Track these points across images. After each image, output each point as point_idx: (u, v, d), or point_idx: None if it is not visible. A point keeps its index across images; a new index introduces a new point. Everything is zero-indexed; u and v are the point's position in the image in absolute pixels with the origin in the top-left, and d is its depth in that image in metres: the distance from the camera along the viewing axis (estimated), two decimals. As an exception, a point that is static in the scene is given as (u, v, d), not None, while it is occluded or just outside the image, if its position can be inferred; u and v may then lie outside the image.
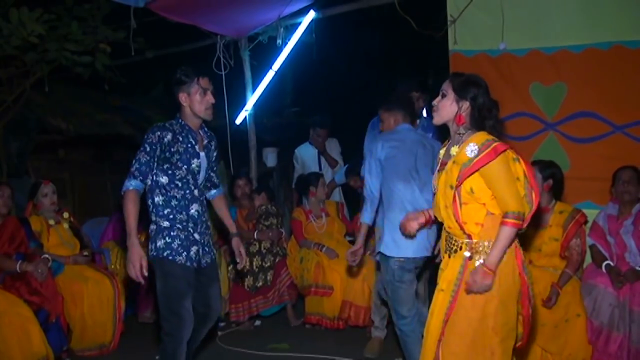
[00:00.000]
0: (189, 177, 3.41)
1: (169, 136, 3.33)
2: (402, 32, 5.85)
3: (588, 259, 4.27)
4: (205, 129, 3.61)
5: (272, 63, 6.07)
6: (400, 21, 5.10)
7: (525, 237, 4.22)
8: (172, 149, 3.33)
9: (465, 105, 2.81)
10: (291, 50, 5.94)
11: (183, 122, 3.43)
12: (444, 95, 2.88)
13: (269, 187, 6.67)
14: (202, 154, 3.48)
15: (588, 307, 3.87)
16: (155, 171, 3.34)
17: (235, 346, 4.97)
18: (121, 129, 7.49)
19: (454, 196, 2.77)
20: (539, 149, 4.79)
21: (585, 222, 4.20)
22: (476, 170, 2.70)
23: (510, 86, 4.88)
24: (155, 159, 3.31)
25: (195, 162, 3.42)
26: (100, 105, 7.81)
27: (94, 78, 6.34)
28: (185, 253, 3.39)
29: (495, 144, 2.69)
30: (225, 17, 5.43)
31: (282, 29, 5.82)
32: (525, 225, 2.71)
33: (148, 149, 3.29)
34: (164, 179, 3.35)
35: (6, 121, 6.24)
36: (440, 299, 2.84)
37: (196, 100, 3.37)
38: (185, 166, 3.37)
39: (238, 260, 3.69)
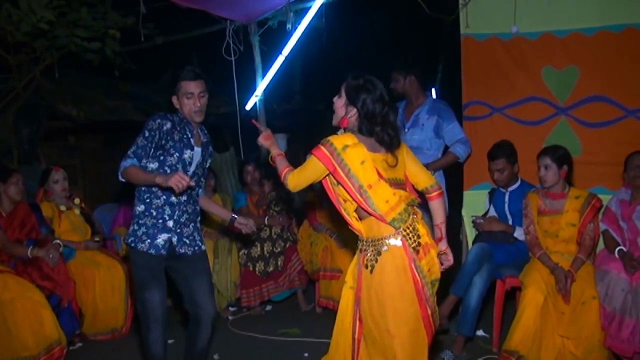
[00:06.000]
0: (179, 165, 3.40)
1: (168, 125, 3.36)
2: (413, 16, 5.80)
3: (601, 244, 4.24)
4: (205, 131, 3.64)
5: (282, 48, 6.04)
6: (410, 5, 5.05)
7: (541, 223, 4.22)
8: (168, 137, 3.36)
9: (353, 111, 2.82)
10: (301, 35, 5.89)
11: (182, 116, 3.47)
12: (339, 96, 2.89)
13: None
14: (197, 148, 3.49)
15: (601, 293, 3.83)
16: (148, 158, 3.34)
17: (246, 331, 5.00)
18: (131, 115, 7.50)
19: (335, 195, 2.88)
20: (550, 134, 4.76)
21: (601, 207, 4.16)
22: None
23: (522, 70, 4.84)
24: (153, 145, 3.33)
25: (188, 153, 3.42)
26: (110, 92, 7.81)
27: (104, 64, 6.34)
28: (149, 240, 3.37)
29: (319, 144, 2.78)
30: (235, 2, 5.39)
31: (291, 14, 5.75)
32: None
33: (147, 134, 3.31)
34: (153, 165, 3.34)
35: (16, 108, 6.26)
36: (351, 296, 2.91)
37: (183, 104, 3.41)
38: (177, 154, 3.38)
39: (246, 231, 3.66)
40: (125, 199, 6.10)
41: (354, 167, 2.69)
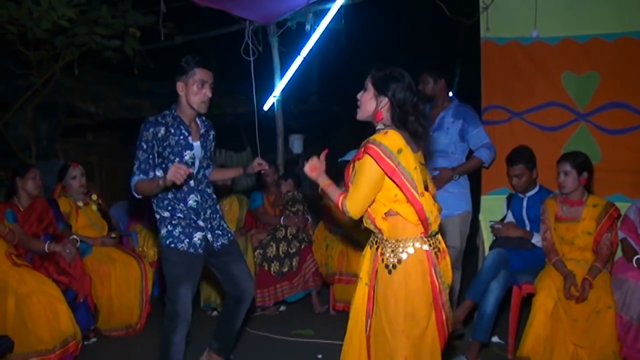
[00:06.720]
0: None
1: (162, 130, 3.30)
2: (432, 19, 5.79)
3: (619, 252, 4.20)
4: (203, 118, 3.59)
5: (301, 49, 6.04)
6: (429, 8, 5.05)
7: (557, 229, 4.18)
8: (164, 143, 3.31)
9: (384, 101, 2.73)
10: (320, 37, 5.90)
11: (176, 114, 3.41)
12: (365, 90, 2.81)
13: (296, 174, 6.66)
14: (196, 143, 3.45)
15: (618, 302, 3.79)
16: (155, 168, 3.32)
17: (260, 330, 4.99)
18: (149, 113, 7.51)
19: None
20: (569, 140, 4.73)
21: (619, 216, 4.12)
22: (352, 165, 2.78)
23: (542, 75, 4.82)
24: (155, 155, 3.29)
25: (188, 154, 3.39)
26: (128, 90, 7.86)
27: (123, 62, 6.37)
28: (187, 240, 3.42)
29: (368, 144, 2.65)
30: (254, 2, 5.41)
31: (311, 15, 5.76)
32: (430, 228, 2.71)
33: (145, 146, 3.27)
34: (159, 173, 3.32)
35: (35, 104, 6.31)
36: (365, 292, 2.88)
37: (192, 92, 3.33)
38: (177, 159, 3.34)
39: (260, 165, 3.69)
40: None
41: (411, 172, 2.63)
